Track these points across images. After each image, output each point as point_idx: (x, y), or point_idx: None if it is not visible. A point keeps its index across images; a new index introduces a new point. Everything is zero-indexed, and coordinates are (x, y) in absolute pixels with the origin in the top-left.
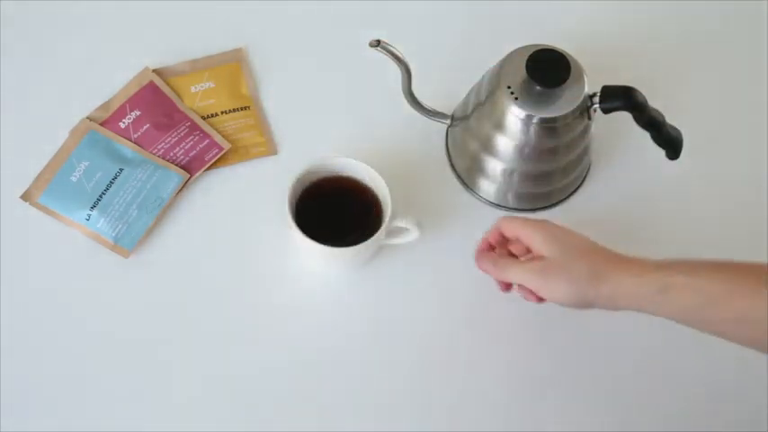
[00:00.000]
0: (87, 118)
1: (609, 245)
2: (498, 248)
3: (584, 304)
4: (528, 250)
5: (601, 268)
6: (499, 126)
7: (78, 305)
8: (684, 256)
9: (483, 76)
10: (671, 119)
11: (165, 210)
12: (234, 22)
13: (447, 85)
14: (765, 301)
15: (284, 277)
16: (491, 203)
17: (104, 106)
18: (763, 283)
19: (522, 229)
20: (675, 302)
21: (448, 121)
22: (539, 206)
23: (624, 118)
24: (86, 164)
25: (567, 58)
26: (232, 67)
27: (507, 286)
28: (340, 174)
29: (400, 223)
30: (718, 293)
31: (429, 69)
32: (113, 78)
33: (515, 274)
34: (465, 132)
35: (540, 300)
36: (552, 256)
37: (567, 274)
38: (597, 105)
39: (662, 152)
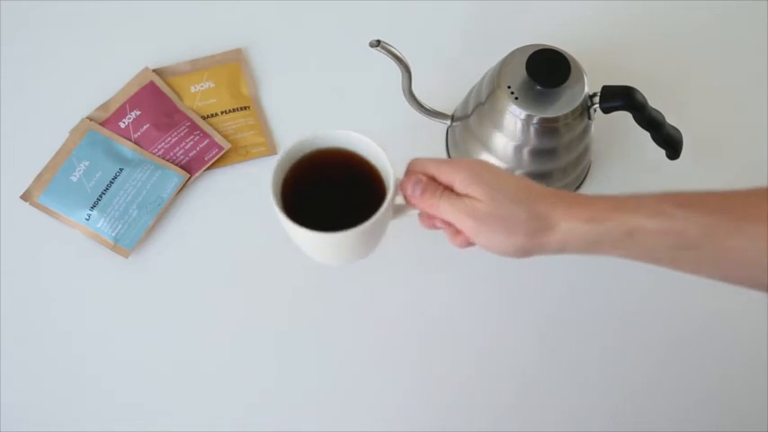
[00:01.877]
0: (87, 118)
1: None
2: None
3: (524, 255)
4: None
5: (544, 214)
6: (499, 126)
7: (78, 305)
8: (640, 192)
9: (483, 76)
10: (671, 119)
11: (164, 210)
12: (234, 22)
13: (447, 85)
14: (745, 238)
15: (284, 277)
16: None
17: (104, 106)
18: (743, 217)
19: (438, 169)
20: (643, 246)
21: (448, 122)
22: None
23: (624, 118)
24: (86, 164)
25: (567, 58)
26: (232, 67)
27: (431, 221)
28: (338, 148)
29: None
30: (696, 235)
31: (429, 69)
32: (113, 78)
33: (446, 209)
34: (465, 132)
35: (469, 243)
36: (482, 200)
37: (503, 223)
38: (597, 105)
39: (662, 152)
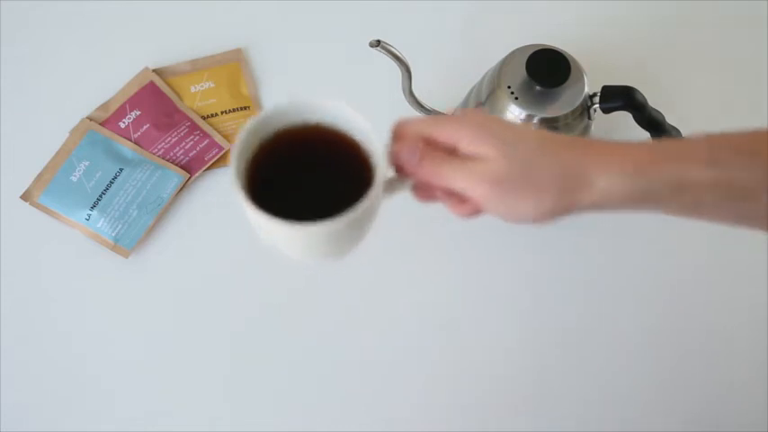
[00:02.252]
0: (87, 118)
1: (608, 246)
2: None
3: (551, 219)
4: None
5: (577, 168)
6: None
7: (78, 305)
8: (673, 139)
9: (483, 76)
10: (671, 119)
11: (164, 210)
12: (234, 22)
13: (447, 85)
14: None
15: (285, 277)
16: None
17: (104, 106)
18: None
19: (435, 128)
20: (692, 199)
21: None
22: None
23: (624, 118)
24: (86, 164)
25: (567, 58)
26: (232, 67)
27: (429, 192)
28: (315, 124)
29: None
30: (752, 187)
31: (429, 69)
32: (113, 78)
33: (454, 176)
34: None
35: (476, 212)
36: (496, 159)
37: (526, 184)
38: (597, 105)
39: None
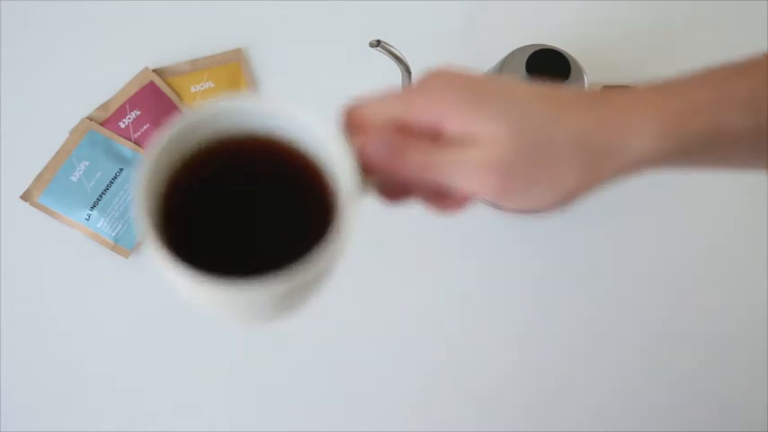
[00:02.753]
0: (87, 118)
1: (608, 246)
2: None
3: (571, 201)
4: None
5: (602, 132)
6: None
7: (78, 305)
8: (690, 72)
9: None
10: None
11: None
12: (234, 22)
13: None
14: None
15: None
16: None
17: (104, 106)
18: None
19: (410, 107)
20: (722, 151)
21: None
22: None
23: None
24: (86, 164)
25: (567, 58)
26: (232, 67)
27: (403, 192)
28: (256, 135)
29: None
30: None
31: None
32: (113, 78)
33: (452, 168)
34: None
35: (461, 207)
36: (497, 139)
37: (541, 165)
38: None
39: None
